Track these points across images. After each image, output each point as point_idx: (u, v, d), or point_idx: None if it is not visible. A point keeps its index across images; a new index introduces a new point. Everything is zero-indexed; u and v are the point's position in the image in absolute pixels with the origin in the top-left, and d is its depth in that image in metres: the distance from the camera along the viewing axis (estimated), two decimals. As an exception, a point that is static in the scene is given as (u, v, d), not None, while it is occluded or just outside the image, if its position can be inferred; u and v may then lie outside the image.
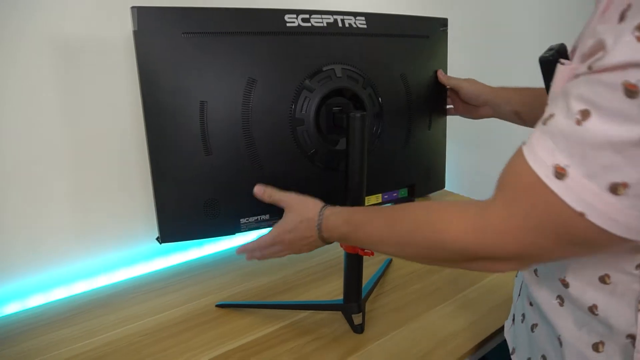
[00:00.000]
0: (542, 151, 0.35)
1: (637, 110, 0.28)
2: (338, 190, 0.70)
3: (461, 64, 1.01)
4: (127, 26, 0.77)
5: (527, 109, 0.77)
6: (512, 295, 0.64)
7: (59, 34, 0.77)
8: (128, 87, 0.84)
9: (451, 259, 0.45)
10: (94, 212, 0.87)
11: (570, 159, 0.32)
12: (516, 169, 0.37)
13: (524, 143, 0.37)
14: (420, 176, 0.84)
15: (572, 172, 0.32)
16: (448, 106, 0.89)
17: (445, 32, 0.83)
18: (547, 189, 0.34)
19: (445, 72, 0.84)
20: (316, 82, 0.67)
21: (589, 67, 0.32)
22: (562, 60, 0.38)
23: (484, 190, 0.46)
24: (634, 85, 0.28)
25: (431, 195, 1.15)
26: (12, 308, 0.81)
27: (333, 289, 0.86)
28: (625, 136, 0.29)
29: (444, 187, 0.90)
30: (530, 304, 0.54)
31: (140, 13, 0.58)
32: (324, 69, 0.68)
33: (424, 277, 0.90)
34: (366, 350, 0.69)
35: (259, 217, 0.70)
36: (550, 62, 0.40)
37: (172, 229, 0.66)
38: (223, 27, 0.62)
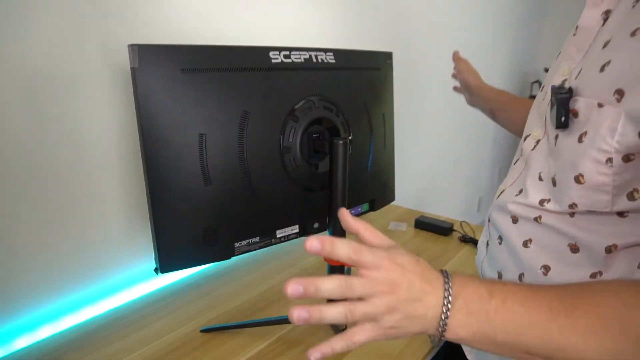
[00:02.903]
0: None
1: None
2: (321, 209, 0.77)
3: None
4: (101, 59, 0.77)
5: (500, 110, 0.97)
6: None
7: (30, 64, 0.74)
8: (113, 116, 0.83)
9: None
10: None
11: None
12: None
13: None
14: (378, 191, 0.95)
15: None
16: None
17: (391, 64, 0.95)
18: None
19: (392, 98, 0.95)
20: (300, 113, 0.74)
21: None
22: (585, 101, 0.46)
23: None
24: None
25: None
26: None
27: (308, 300, 0.92)
28: None
29: (394, 199, 1.02)
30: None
31: (140, 51, 0.59)
32: (304, 100, 0.75)
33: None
34: (357, 349, 0.77)
35: (250, 239, 0.74)
36: (565, 99, 0.48)
37: (171, 259, 0.67)
38: (218, 63, 0.66)
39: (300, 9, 1.21)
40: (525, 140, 0.64)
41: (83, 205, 0.86)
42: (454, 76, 1.09)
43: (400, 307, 0.40)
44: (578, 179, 0.48)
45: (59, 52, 0.78)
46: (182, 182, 0.65)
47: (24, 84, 0.74)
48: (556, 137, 0.53)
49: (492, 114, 1.00)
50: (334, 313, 0.40)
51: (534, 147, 0.60)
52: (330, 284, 0.40)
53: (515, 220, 0.61)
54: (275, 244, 0.77)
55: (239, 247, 0.73)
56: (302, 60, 0.75)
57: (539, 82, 3.12)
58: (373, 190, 0.94)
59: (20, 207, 0.77)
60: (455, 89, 1.13)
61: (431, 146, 2.02)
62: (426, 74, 1.85)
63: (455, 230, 1.29)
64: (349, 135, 0.82)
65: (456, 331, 0.40)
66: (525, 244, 0.59)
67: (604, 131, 0.43)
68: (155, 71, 0.61)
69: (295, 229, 0.79)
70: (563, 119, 0.49)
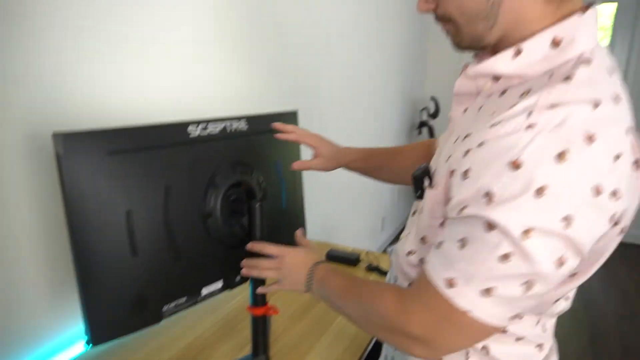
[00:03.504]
0: (438, 268, 0.54)
1: (490, 239, 0.49)
2: (237, 265, 0.84)
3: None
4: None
5: (373, 171, 1.01)
6: None
7: None
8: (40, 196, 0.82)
9: (382, 324, 0.62)
10: None
11: (456, 272, 0.52)
12: (422, 279, 0.57)
13: (427, 262, 0.57)
14: (292, 236, 1.04)
15: (457, 281, 0.51)
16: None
17: (297, 120, 1.06)
18: (441, 297, 0.52)
19: (299, 150, 1.06)
20: (219, 180, 0.81)
21: (459, 212, 0.52)
22: (428, 182, 0.60)
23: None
24: (490, 224, 0.48)
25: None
26: None
27: (234, 347, 0.98)
28: (485, 257, 0.49)
29: (306, 241, 1.12)
30: (395, 348, 0.77)
31: (65, 139, 0.63)
32: (222, 168, 0.82)
33: (301, 319, 1.09)
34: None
35: (177, 301, 0.79)
36: (419, 178, 0.62)
37: (101, 331, 0.70)
38: (141, 143, 0.71)
39: (216, 79, 1.27)
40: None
41: (5, 282, 0.84)
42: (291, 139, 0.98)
43: (286, 274, 0.79)
44: (423, 240, 0.64)
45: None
46: (110, 257, 0.69)
47: None
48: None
49: (365, 174, 1.02)
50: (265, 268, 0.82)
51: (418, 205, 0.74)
52: (267, 263, 0.81)
53: (399, 265, 0.74)
54: (201, 301, 0.82)
55: (167, 310, 0.77)
56: (218, 131, 0.82)
57: (427, 109, 3.47)
58: (287, 237, 1.03)
59: None
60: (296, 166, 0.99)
61: (336, 178, 2.18)
62: (327, 114, 2.01)
63: (361, 260, 1.43)
64: (265, 193, 0.91)
65: (313, 292, 0.77)
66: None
67: (429, 204, 0.60)
68: (81, 157, 0.65)
69: (219, 284, 0.85)
70: (419, 192, 0.63)
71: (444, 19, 0.59)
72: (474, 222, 0.50)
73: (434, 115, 3.39)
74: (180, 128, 0.77)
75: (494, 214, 0.47)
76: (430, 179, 0.63)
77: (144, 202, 0.71)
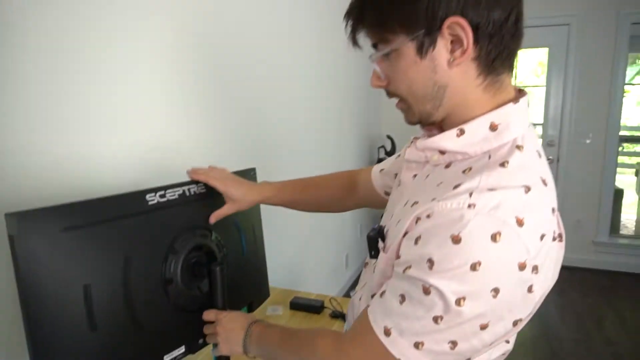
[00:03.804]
0: (378, 315, 0.59)
1: (426, 301, 0.54)
2: (200, 328, 0.84)
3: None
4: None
5: (291, 204, 1.02)
6: None
7: None
8: None
9: None
10: None
11: (393, 323, 0.57)
12: (362, 323, 0.61)
13: (368, 306, 0.62)
14: (254, 293, 1.05)
15: (393, 332, 0.57)
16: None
17: (255, 177, 1.08)
18: (379, 342, 0.57)
19: (259, 208, 1.08)
20: (178, 245, 0.82)
21: (404, 271, 0.57)
22: (382, 245, 0.65)
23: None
24: (428, 288, 0.54)
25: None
26: None
27: None
28: (420, 315, 0.55)
29: (269, 295, 1.13)
30: None
31: (18, 219, 0.63)
32: (182, 233, 0.83)
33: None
34: None
35: (138, 372, 0.77)
36: (373, 239, 0.67)
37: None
38: (97, 217, 0.71)
39: (172, 141, 1.29)
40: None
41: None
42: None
43: (225, 338, 0.81)
44: (374, 297, 0.68)
45: None
46: (68, 334, 0.67)
47: None
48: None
49: (287, 207, 1.04)
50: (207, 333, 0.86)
51: (371, 263, 0.77)
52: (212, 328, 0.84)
53: (354, 317, 0.76)
54: (163, 369, 0.81)
55: (127, 382, 0.76)
56: (177, 197, 0.84)
57: (384, 147, 3.59)
58: (249, 294, 1.04)
59: None
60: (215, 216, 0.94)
61: (297, 222, 2.20)
62: (288, 161, 2.05)
63: (326, 307, 1.44)
64: (224, 254, 0.92)
65: (251, 351, 0.79)
66: None
67: (382, 265, 0.65)
68: (35, 236, 0.64)
69: (181, 349, 0.85)
70: (373, 252, 0.68)
71: (395, 97, 0.65)
72: (415, 283, 0.56)
73: (391, 152, 3.51)
74: (138, 197, 0.78)
75: (433, 279, 0.53)
76: (383, 239, 0.67)
77: (102, 275, 0.71)
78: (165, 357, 0.81)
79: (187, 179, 0.90)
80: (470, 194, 0.54)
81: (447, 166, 0.63)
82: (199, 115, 1.39)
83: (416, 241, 0.56)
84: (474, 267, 0.51)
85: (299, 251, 2.27)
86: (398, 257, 0.60)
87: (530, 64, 3.95)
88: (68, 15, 0.91)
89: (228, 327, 0.81)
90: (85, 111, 0.97)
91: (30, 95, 0.86)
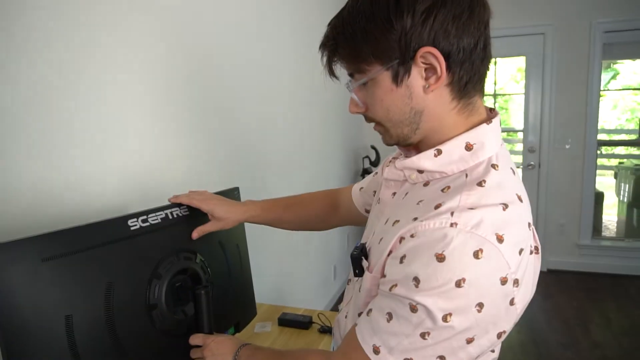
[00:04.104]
0: (366, 334, 0.60)
1: (413, 318, 0.55)
2: (187, 352, 0.84)
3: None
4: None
5: (274, 222, 1.03)
6: None
7: None
8: None
9: None
10: None
11: (381, 341, 0.59)
12: (351, 342, 0.62)
13: (356, 324, 0.63)
14: (240, 313, 1.05)
15: (382, 349, 0.58)
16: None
17: (239, 196, 1.08)
18: (369, 358, 0.59)
19: (243, 226, 1.08)
20: (162, 270, 0.81)
21: (390, 289, 0.58)
22: (366, 264, 0.66)
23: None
24: (415, 306, 0.55)
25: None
26: None
27: None
28: (408, 332, 0.56)
29: (255, 313, 1.12)
30: None
31: (-3, 251, 0.62)
32: (165, 256, 0.83)
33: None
34: None
35: (123, 401, 0.76)
36: (357, 258, 0.68)
37: None
38: (78, 245, 0.70)
39: (157, 163, 1.28)
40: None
41: None
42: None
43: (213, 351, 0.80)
44: (360, 315, 0.68)
45: None
46: (49, 366, 0.66)
47: None
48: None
49: (270, 225, 1.04)
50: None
51: (355, 280, 0.78)
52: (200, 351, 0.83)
53: (342, 336, 0.77)
54: (149, 396, 0.80)
55: (112, 412, 0.74)
56: (159, 220, 0.83)
57: (368, 157, 3.61)
58: (236, 313, 1.03)
59: None
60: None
61: (283, 236, 2.19)
62: (272, 177, 2.05)
63: (314, 322, 1.43)
64: (209, 275, 0.92)
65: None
66: None
67: (367, 284, 0.66)
68: (14, 267, 0.63)
69: (167, 374, 0.84)
70: (357, 271, 0.69)
71: (373, 122, 0.68)
72: (401, 301, 0.57)
73: (375, 162, 3.54)
74: (120, 223, 0.77)
75: (420, 297, 0.55)
76: (367, 258, 0.69)
77: (84, 304, 0.70)
78: (151, 383, 0.80)
79: (163, 199, 0.89)
80: (452, 213, 0.56)
81: (426, 184, 0.65)
82: (181, 136, 1.38)
83: (401, 260, 0.58)
84: (458, 284, 0.53)
85: (286, 265, 2.26)
86: (383, 275, 0.62)
87: (510, 70, 4.03)
88: (50, 33, 0.91)
89: (216, 352, 0.80)
90: (67, 135, 0.96)
91: (10, 118, 0.85)
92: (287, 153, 2.23)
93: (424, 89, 0.60)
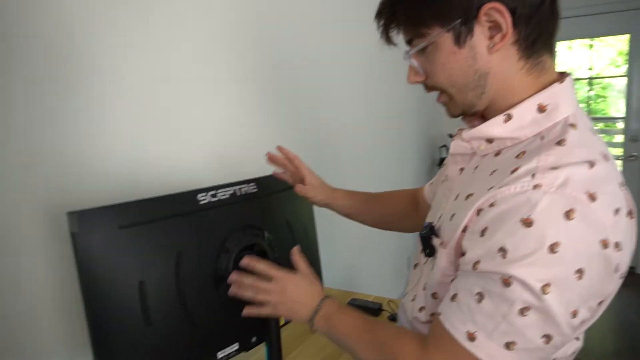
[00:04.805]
0: (456, 320, 0.55)
1: (508, 293, 0.50)
2: (257, 324, 0.85)
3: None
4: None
5: (356, 212, 1.03)
6: None
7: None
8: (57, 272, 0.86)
9: None
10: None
11: (476, 326, 0.53)
12: (439, 332, 0.57)
13: (439, 313, 0.58)
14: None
15: (478, 335, 0.53)
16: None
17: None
18: (464, 349, 0.53)
19: (312, 208, 1.07)
20: (230, 244, 0.83)
21: (474, 267, 0.54)
22: (439, 242, 0.62)
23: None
24: (508, 279, 0.50)
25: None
26: None
27: None
28: (504, 312, 0.50)
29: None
30: None
31: (79, 217, 0.66)
32: (233, 231, 0.84)
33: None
34: None
35: (192, 368, 0.79)
36: (427, 237, 0.65)
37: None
38: (152, 215, 0.74)
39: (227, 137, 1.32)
40: (420, 252, 0.78)
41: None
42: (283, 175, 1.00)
43: (285, 300, 0.75)
44: (434, 295, 0.65)
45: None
46: (124, 328, 0.70)
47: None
48: (426, 261, 0.69)
49: (348, 217, 1.05)
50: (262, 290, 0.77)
51: (425, 262, 0.74)
52: (258, 285, 0.77)
53: (408, 320, 0.74)
54: (217, 365, 0.83)
55: (182, 377, 0.78)
56: (228, 196, 0.85)
57: (446, 147, 3.47)
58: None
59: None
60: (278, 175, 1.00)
61: (355, 226, 2.17)
62: (344, 159, 2.03)
63: (384, 310, 1.40)
64: (277, 253, 0.92)
65: (316, 327, 0.73)
66: None
67: (442, 262, 0.62)
68: (94, 233, 0.68)
69: (235, 346, 0.86)
70: (428, 250, 0.66)
71: (435, 90, 0.64)
72: (490, 277, 0.52)
73: (454, 151, 3.39)
74: (189, 197, 0.80)
75: (512, 269, 0.50)
76: (437, 237, 0.65)
77: (156, 271, 0.73)
78: (218, 353, 0.83)
79: (239, 178, 0.91)
80: (533, 175, 0.51)
81: (497, 154, 0.60)
82: (263, 125, 1.42)
83: (482, 233, 0.54)
84: (552, 248, 0.48)
85: (357, 253, 2.24)
86: (462, 254, 0.58)
87: (609, 53, 3.64)
88: (139, 18, 0.98)
89: (294, 295, 0.75)
90: (154, 114, 1.03)
91: (102, 97, 0.92)
92: (362, 139, 2.20)
93: (488, 49, 0.56)
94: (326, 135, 1.87)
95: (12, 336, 0.85)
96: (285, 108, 1.58)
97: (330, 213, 1.06)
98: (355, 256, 2.20)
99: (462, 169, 0.67)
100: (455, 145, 0.66)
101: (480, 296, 0.53)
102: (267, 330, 0.85)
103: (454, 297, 0.57)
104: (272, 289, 0.76)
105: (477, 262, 0.53)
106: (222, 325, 0.83)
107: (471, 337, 0.53)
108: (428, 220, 0.71)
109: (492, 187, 0.54)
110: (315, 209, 1.06)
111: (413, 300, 0.73)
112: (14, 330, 0.85)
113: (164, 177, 1.09)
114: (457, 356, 0.55)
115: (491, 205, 0.53)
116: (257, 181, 0.91)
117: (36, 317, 0.88)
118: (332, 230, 1.87)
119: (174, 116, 1.11)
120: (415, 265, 0.79)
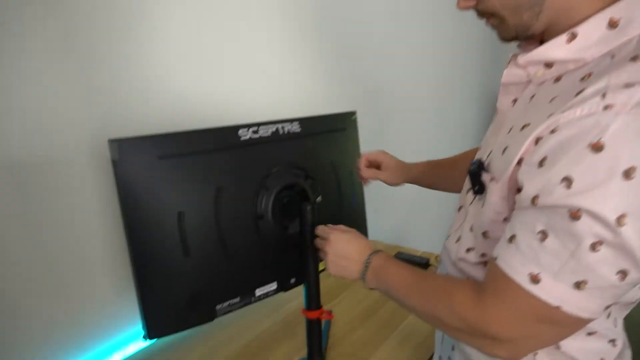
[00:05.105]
0: (516, 262, 0.50)
1: (577, 228, 0.45)
2: (296, 265, 0.84)
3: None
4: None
5: (436, 183, 1.02)
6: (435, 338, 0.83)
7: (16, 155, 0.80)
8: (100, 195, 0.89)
9: (456, 324, 0.57)
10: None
11: (540, 267, 0.48)
12: (497, 277, 0.52)
13: (496, 257, 0.53)
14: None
15: (543, 276, 0.47)
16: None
17: (355, 121, 1.03)
18: (527, 293, 0.48)
19: (359, 153, 1.03)
20: (270, 182, 0.81)
21: (533, 203, 0.48)
22: (489, 177, 0.57)
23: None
24: (576, 212, 0.44)
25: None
26: None
27: (292, 348, 0.98)
28: (573, 248, 0.45)
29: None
30: (453, 349, 0.72)
31: (120, 145, 0.66)
32: (274, 170, 0.82)
33: (363, 323, 1.07)
34: None
35: (231, 301, 0.80)
36: (475, 173, 0.60)
37: (157, 326, 0.73)
38: (191, 147, 0.73)
39: (275, 82, 1.29)
40: (466, 193, 0.72)
41: (75, 282, 0.92)
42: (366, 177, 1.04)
43: (333, 260, 0.76)
44: (485, 235, 0.60)
45: (46, 142, 0.85)
46: (164, 257, 0.71)
47: (8, 174, 0.81)
48: (474, 200, 0.64)
49: (430, 187, 1.04)
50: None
51: (471, 202, 0.68)
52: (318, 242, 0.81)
53: (452, 262, 0.70)
54: (255, 302, 0.83)
55: (220, 308, 0.79)
56: (270, 134, 0.83)
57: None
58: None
59: (23, 287, 0.83)
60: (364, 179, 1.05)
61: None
62: (393, 118, 1.95)
63: (431, 265, 1.36)
64: (318, 196, 0.90)
65: (368, 282, 0.72)
66: None
67: (493, 197, 0.56)
68: (134, 161, 0.68)
69: (273, 285, 0.86)
70: (477, 187, 0.60)
71: (486, 14, 0.57)
72: (555, 212, 0.47)
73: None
74: (231, 132, 0.78)
75: (581, 201, 0.44)
76: (487, 172, 0.60)
77: (195, 203, 0.73)
78: (256, 291, 0.83)
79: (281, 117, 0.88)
80: (603, 95, 0.44)
81: (557, 80, 0.53)
82: (305, 59, 1.37)
83: (541, 163, 0.47)
84: (627, 174, 0.42)
85: (408, 209, 2.18)
86: (518, 190, 0.52)
87: None
88: None
89: (342, 252, 0.75)
90: (218, 57, 1.06)
91: (168, 37, 0.94)
92: (412, 97, 2.09)
93: None
94: (370, 91, 1.79)
95: (61, 267, 0.90)
96: (328, 59, 1.52)
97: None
98: (405, 211, 2.14)
99: (515, 101, 0.60)
100: (508, 74, 0.59)
101: (544, 234, 0.48)
102: (306, 272, 0.84)
103: (511, 239, 0.51)
104: (325, 250, 0.77)
105: (536, 197, 0.48)
106: (260, 263, 0.82)
107: (535, 279, 0.48)
108: (477, 157, 0.64)
109: (552, 114, 0.48)
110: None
111: (457, 241, 0.68)
112: (65, 259, 0.90)
113: (211, 112, 1.09)
114: (518, 301, 0.50)
115: (552, 132, 0.47)
116: (301, 121, 0.88)
117: (85, 248, 0.93)
118: (381, 188, 1.82)
119: (225, 63, 1.09)
120: (460, 208, 0.74)
